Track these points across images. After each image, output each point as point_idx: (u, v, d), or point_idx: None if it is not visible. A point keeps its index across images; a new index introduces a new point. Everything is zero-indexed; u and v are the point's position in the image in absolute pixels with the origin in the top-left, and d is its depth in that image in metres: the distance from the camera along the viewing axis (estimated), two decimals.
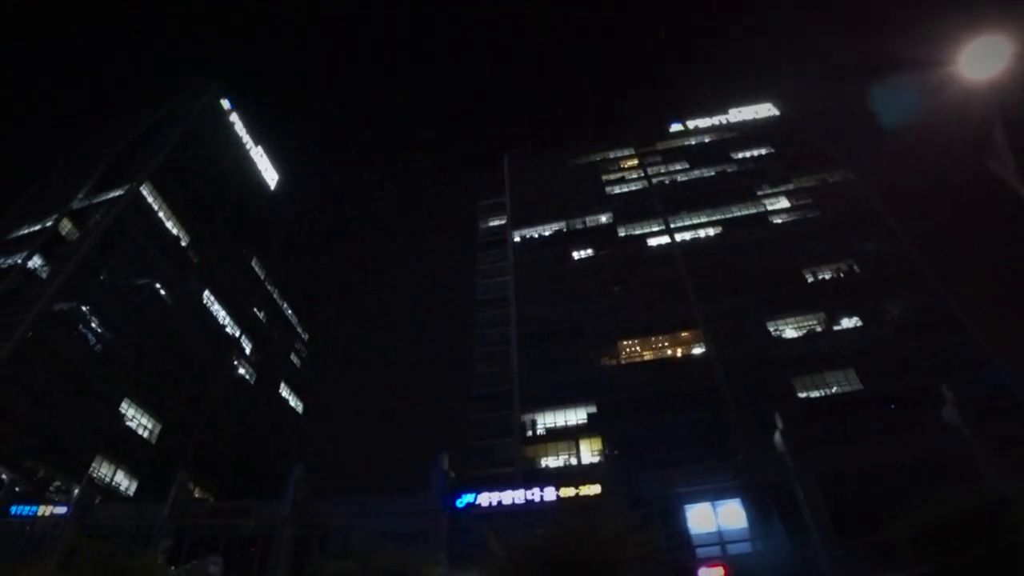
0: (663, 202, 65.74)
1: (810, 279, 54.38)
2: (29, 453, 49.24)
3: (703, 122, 78.44)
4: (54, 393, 51.91)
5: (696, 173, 69.69)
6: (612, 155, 76.93)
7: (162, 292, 63.81)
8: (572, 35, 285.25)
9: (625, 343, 53.76)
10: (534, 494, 24.39)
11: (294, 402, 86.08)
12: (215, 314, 70.85)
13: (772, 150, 69.66)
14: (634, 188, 70.01)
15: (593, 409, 49.13)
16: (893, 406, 43.77)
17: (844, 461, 21.79)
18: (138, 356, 59.58)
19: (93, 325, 56.74)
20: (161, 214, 64.15)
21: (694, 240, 61.10)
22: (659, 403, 47.53)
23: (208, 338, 68.78)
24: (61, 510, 37.84)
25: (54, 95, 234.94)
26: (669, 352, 52.74)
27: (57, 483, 51.60)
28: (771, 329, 51.23)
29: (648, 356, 52.79)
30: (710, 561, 19.12)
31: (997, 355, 43.61)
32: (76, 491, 53.37)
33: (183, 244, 67.02)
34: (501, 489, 25.23)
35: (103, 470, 54.51)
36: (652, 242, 62.23)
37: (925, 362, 44.49)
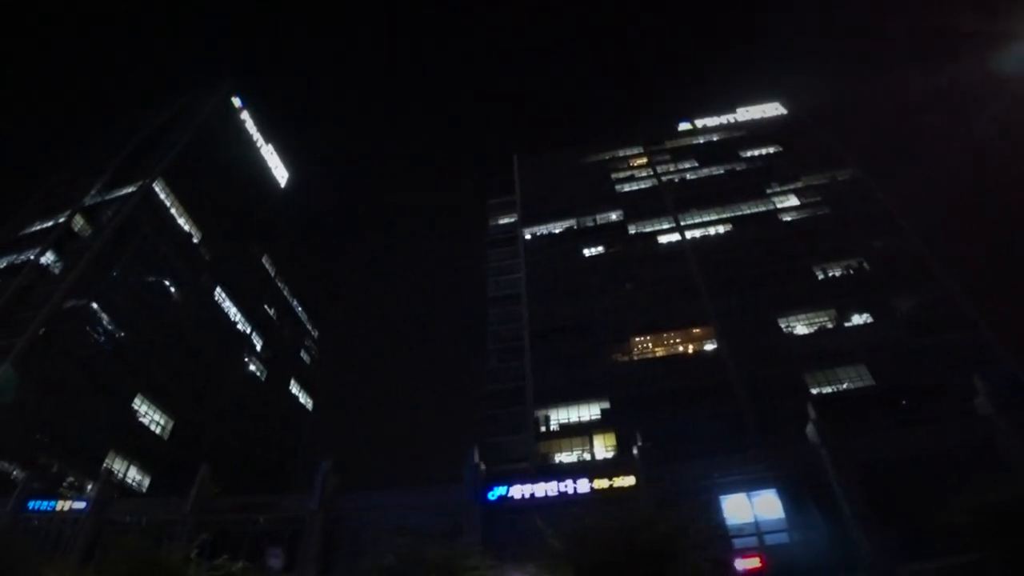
0: (673, 200, 66.05)
1: (820, 276, 54.65)
2: (42, 449, 49.37)
3: (711, 121, 78.77)
4: (67, 389, 52.07)
5: (705, 171, 70.02)
6: (621, 153, 77.24)
7: (174, 288, 63.97)
8: (578, 36, 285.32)
9: (637, 339, 53.96)
10: (567, 486, 24.60)
11: (304, 399, 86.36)
12: (226, 311, 71.06)
13: (780, 148, 69.99)
14: (644, 186, 70.30)
15: (606, 405, 49.34)
16: (905, 402, 44.20)
17: (877, 451, 22.07)
18: (150, 352, 59.76)
19: (105, 321, 56.86)
20: (173, 211, 64.29)
21: (704, 237, 61.40)
22: (673, 399, 47.75)
23: (220, 335, 68.98)
24: (80, 505, 37.79)
25: (66, 93, 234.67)
26: (681, 348, 52.98)
27: (70, 479, 51.77)
28: (782, 325, 51.49)
29: (660, 352, 53.03)
30: (747, 551, 19.35)
31: (1007, 351, 44.01)
32: (89, 487, 53.74)
33: (195, 241, 67.18)
34: (534, 481, 25.47)
35: (116, 466, 54.69)
36: (662, 239, 62.51)
37: (936, 358, 44.80)
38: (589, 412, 49.71)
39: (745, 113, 78.24)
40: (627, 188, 70.81)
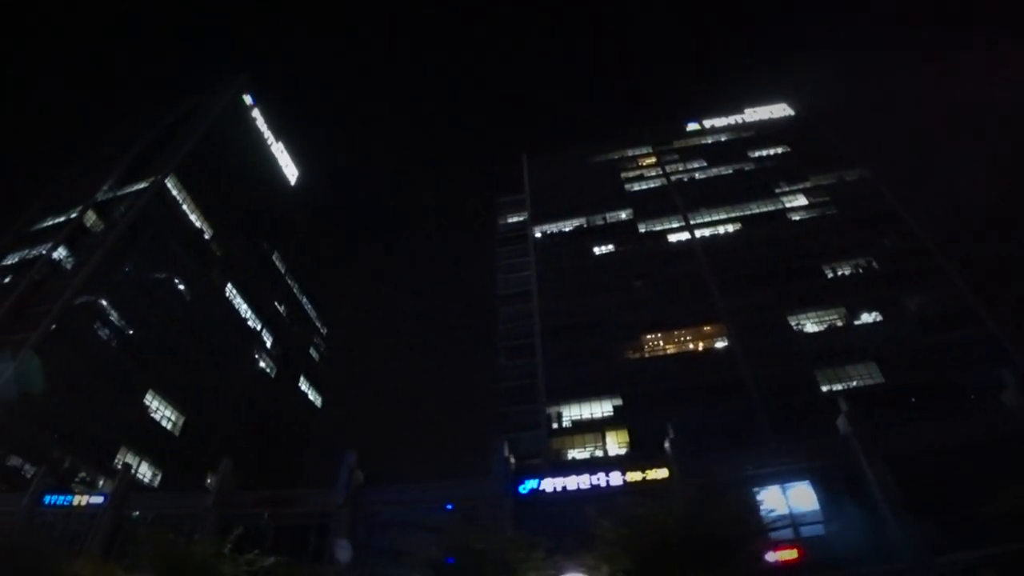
0: (682, 199, 66.44)
1: (830, 274, 55.08)
2: (54, 444, 49.40)
3: (719, 121, 79.19)
4: (79, 384, 52.10)
5: (714, 171, 70.44)
6: (630, 153, 77.60)
7: (186, 285, 64.03)
8: (586, 37, 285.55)
9: (649, 336, 54.29)
10: (599, 479, 24.66)
11: (313, 396, 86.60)
12: (237, 307, 71.20)
13: (788, 149, 70.42)
14: (653, 185, 70.69)
15: (619, 401, 49.65)
16: (915, 399, 44.70)
17: (908, 443, 22.41)
18: (162, 348, 59.84)
19: (117, 317, 56.88)
20: (185, 207, 64.36)
21: (714, 236, 61.82)
22: (685, 395, 48.07)
23: (231, 331, 69.11)
24: (97, 500, 37.61)
25: (79, 90, 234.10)
26: (692, 346, 53.36)
27: (82, 474, 51.86)
28: (792, 323, 51.91)
29: (672, 349, 53.41)
30: (783, 544, 19.62)
31: (1017, 347, 44.47)
32: (102, 482, 53.83)
33: (206, 237, 67.27)
34: (565, 475, 25.69)
35: (127, 461, 54.74)
36: (672, 238, 62.90)
37: (945, 356, 45.35)
38: (601, 409, 49.98)
39: (753, 114, 78.68)
40: (636, 187, 71.17)
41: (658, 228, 64.29)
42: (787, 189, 64.57)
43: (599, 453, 47.52)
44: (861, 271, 54.71)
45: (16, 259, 58.67)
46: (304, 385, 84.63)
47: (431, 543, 19.39)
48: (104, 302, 55.46)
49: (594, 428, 48.95)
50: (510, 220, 73.65)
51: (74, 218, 59.55)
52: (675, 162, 73.76)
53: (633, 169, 74.73)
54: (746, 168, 69.60)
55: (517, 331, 60.42)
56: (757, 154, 71.22)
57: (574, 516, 21.73)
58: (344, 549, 25.05)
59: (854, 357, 47.37)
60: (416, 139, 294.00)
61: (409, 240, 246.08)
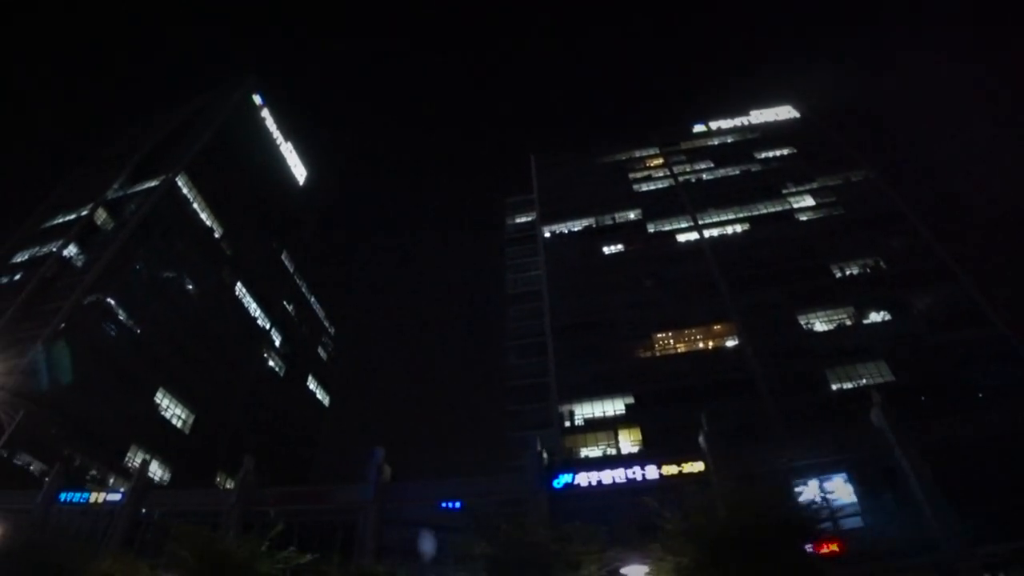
0: (690, 199, 66.93)
1: (838, 274, 55.60)
2: (64, 442, 49.24)
3: (725, 123, 79.84)
4: (89, 382, 51.93)
5: (721, 172, 71.00)
6: (637, 154, 78.09)
7: (196, 283, 63.94)
8: (593, 40, 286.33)
9: (659, 335, 54.64)
10: (635, 472, 24.84)
11: (321, 395, 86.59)
12: (247, 306, 71.14)
13: (795, 150, 71.09)
14: (661, 186, 71.18)
15: (631, 400, 49.93)
16: (924, 397, 45.33)
17: (944, 435, 22.83)
18: (173, 346, 59.77)
19: (127, 314, 56.73)
20: (196, 205, 64.31)
21: (722, 236, 62.30)
22: (697, 393, 48.42)
23: (240, 330, 69.10)
24: (114, 497, 37.51)
25: (90, 88, 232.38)
26: (702, 345, 53.78)
27: (93, 472, 51.73)
28: (802, 323, 52.35)
29: (682, 348, 53.79)
30: (825, 536, 19.81)
31: None
32: (112, 480, 53.66)
33: (216, 236, 67.19)
34: (600, 469, 25.94)
35: (137, 459, 54.63)
36: (681, 238, 63.36)
37: (954, 354, 45.99)
38: (613, 407, 50.23)
39: (759, 116, 79.35)
40: (644, 188, 71.66)
41: (667, 228, 64.75)
42: (794, 190, 65.19)
43: (612, 451, 47.80)
44: (869, 271, 55.31)
45: (27, 256, 58.47)
46: (312, 384, 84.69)
47: (473, 541, 18.94)
48: (114, 300, 55.30)
49: (607, 426, 49.19)
50: (519, 220, 73.97)
51: (85, 216, 59.40)
52: (682, 163, 74.30)
53: (641, 170, 75.23)
54: (753, 169, 70.22)
55: (526, 330, 60.76)
56: (764, 155, 71.86)
57: (605, 511, 21.99)
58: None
59: (864, 356, 47.93)
60: (425, 140, 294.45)
61: (417, 240, 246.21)
